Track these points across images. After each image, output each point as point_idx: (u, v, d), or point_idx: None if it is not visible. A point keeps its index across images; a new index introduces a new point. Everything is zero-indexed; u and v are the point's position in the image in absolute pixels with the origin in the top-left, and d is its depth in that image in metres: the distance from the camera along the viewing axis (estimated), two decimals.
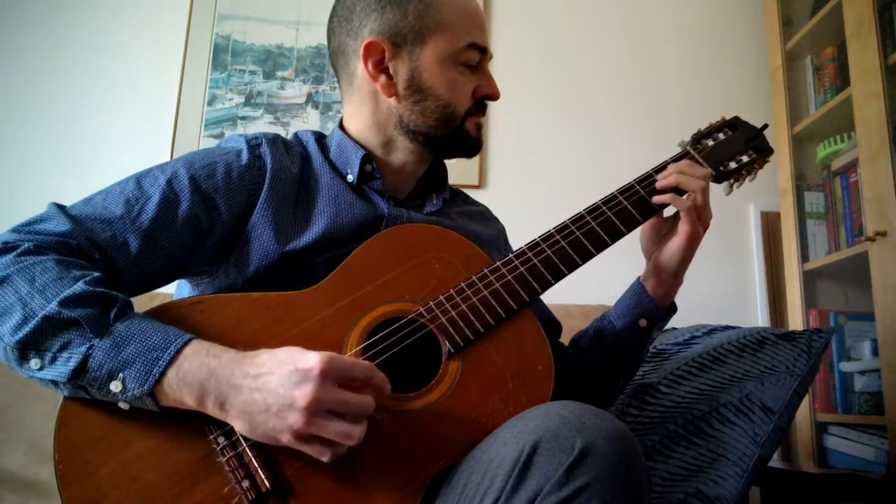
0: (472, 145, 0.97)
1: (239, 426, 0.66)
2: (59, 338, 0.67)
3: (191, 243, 0.84)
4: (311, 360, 0.64)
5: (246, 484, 0.67)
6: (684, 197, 0.90)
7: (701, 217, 0.89)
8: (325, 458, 0.65)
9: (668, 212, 0.93)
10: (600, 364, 0.98)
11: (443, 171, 1.05)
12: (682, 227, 0.89)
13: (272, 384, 0.64)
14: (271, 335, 0.75)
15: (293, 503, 0.67)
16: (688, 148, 0.98)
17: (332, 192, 0.91)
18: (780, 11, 2.04)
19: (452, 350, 0.78)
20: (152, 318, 0.71)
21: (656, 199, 0.90)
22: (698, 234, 0.90)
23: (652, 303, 0.93)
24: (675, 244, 0.90)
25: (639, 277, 0.96)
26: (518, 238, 1.14)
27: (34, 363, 0.67)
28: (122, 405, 0.68)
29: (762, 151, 0.99)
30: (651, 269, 0.94)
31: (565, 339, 1.07)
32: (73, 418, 0.68)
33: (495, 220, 1.14)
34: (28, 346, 0.67)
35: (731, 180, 0.98)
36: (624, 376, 1.00)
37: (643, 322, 0.93)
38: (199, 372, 0.66)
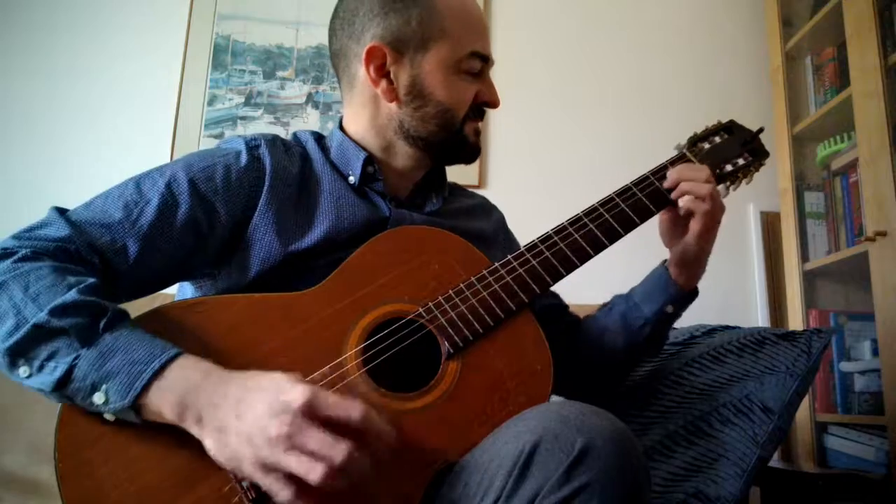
0: (469, 151, 0.97)
1: (209, 443, 0.64)
2: (47, 347, 0.67)
3: (191, 246, 0.84)
4: (294, 392, 0.61)
5: (246, 483, 0.67)
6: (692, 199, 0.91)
7: (713, 215, 0.90)
8: (281, 498, 0.60)
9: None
10: (625, 346, 0.99)
11: (441, 171, 1.05)
12: (693, 226, 0.90)
13: (252, 411, 0.61)
14: (271, 336, 0.75)
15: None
16: (684, 151, 0.99)
17: (334, 194, 0.91)
18: (780, 11, 2.04)
19: (451, 350, 0.78)
20: (147, 325, 0.71)
21: (682, 211, 0.92)
22: (709, 229, 0.91)
23: (679, 290, 0.94)
24: (689, 239, 0.91)
25: (664, 262, 0.97)
26: (518, 238, 1.14)
27: (22, 370, 0.67)
28: (108, 416, 0.67)
29: (758, 155, 1.00)
30: (672, 258, 0.95)
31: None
32: (74, 418, 0.69)
33: (493, 209, 1.14)
34: (17, 354, 0.67)
35: (728, 183, 0.99)
36: (647, 356, 1.04)
37: (670, 308, 0.95)
38: (180, 386, 0.65)
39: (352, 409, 0.61)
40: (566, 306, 1.10)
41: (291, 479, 0.59)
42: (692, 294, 0.97)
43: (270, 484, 0.60)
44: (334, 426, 0.60)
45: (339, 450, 0.59)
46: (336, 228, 0.88)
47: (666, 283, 0.95)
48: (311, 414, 0.60)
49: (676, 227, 0.94)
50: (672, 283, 0.94)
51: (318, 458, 0.58)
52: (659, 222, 0.96)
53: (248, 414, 0.61)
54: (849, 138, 1.80)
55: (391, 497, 0.69)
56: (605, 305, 1.04)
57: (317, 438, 0.59)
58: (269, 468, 0.60)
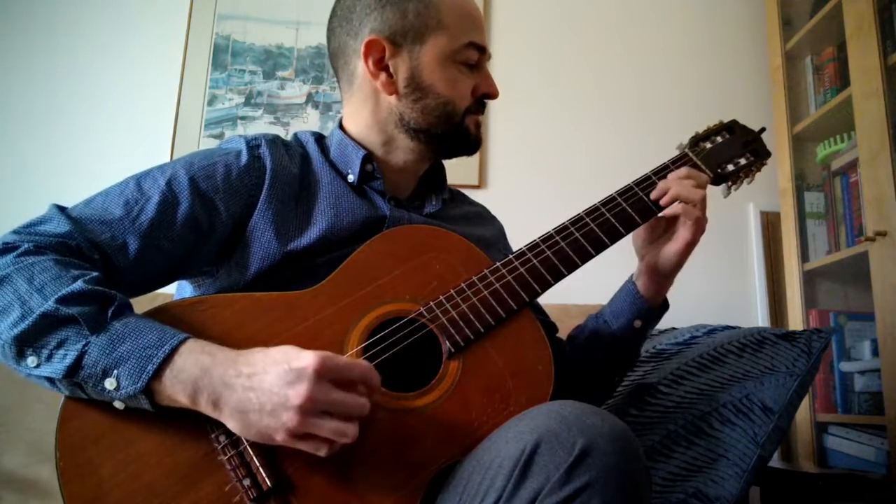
0: (471, 143, 0.97)
1: (232, 425, 0.66)
2: (56, 335, 0.67)
3: (190, 244, 0.84)
4: (306, 359, 0.64)
5: (247, 482, 0.67)
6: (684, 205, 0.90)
7: (699, 224, 0.90)
8: (321, 453, 0.65)
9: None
10: (598, 362, 1.00)
11: (442, 172, 1.05)
12: (682, 234, 0.89)
13: (266, 383, 0.64)
14: (272, 335, 0.75)
15: (294, 501, 0.67)
16: (686, 150, 0.99)
17: (333, 193, 0.92)
18: (780, 11, 2.05)
19: (453, 350, 0.78)
20: (151, 318, 0.72)
21: (666, 212, 0.91)
22: (696, 241, 0.90)
23: (645, 303, 0.94)
24: (671, 249, 0.90)
25: (631, 276, 0.97)
26: (518, 238, 1.14)
27: (31, 360, 0.67)
28: (118, 404, 0.68)
29: (760, 155, 1.00)
30: (643, 269, 0.95)
31: (564, 336, 1.07)
32: (74, 416, 0.69)
33: (493, 219, 1.14)
34: (25, 343, 0.67)
35: (730, 183, 0.99)
36: (620, 373, 1.03)
37: (638, 323, 0.95)
38: (193, 370, 0.66)
39: (355, 365, 0.67)
40: (555, 325, 1.09)
41: (325, 438, 0.65)
42: (661, 308, 0.97)
43: (306, 447, 0.65)
44: (344, 386, 0.66)
45: (362, 402, 0.66)
46: (335, 227, 0.88)
47: (633, 299, 0.95)
48: (326, 376, 0.64)
49: (655, 235, 0.94)
50: (639, 298, 0.94)
51: (347, 416, 0.65)
52: (637, 230, 0.94)
53: (263, 386, 0.64)
54: (849, 138, 1.80)
55: (392, 496, 0.69)
56: (579, 326, 1.04)
57: (341, 397, 0.65)
58: (301, 436, 0.64)
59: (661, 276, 0.93)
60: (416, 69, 0.92)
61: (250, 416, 0.65)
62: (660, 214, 0.92)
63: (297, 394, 0.63)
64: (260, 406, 0.64)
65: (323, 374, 0.64)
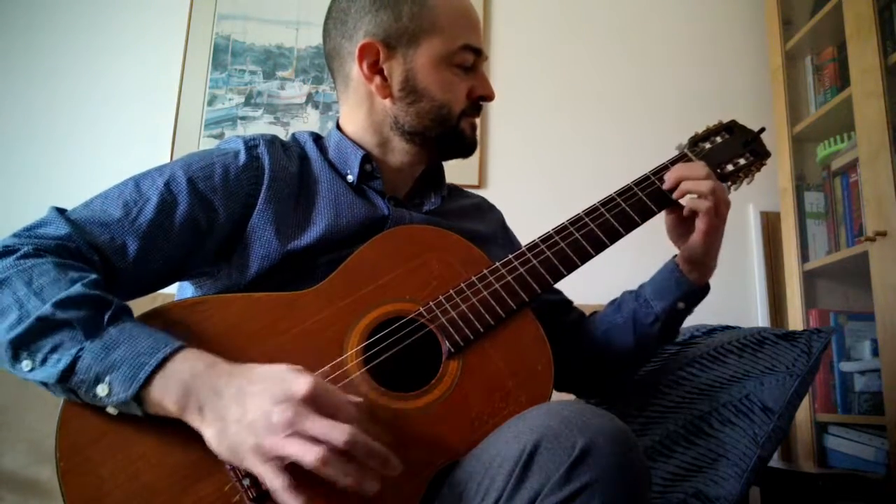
0: (466, 145, 0.97)
1: (209, 434, 0.64)
2: (52, 339, 0.67)
3: (190, 245, 0.84)
4: (298, 382, 0.62)
5: (246, 482, 0.67)
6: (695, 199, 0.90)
7: (717, 211, 0.89)
8: (273, 486, 0.61)
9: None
10: (636, 343, 0.98)
11: (440, 170, 1.05)
12: (699, 225, 0.90)
13: (255, 399, 0.63)
14: (272, 335, 0.75)
15: None
16: (685, 151, 0.99)
17: (333, 193, 0.92)
18: (780, 11, 2.05)
19: (452, 350, 0.78)
20: (148, 324, 0.71)
21: (685, 211, 0.91)
22: (715, 226, 0.90)
23: (690, 286, 0.94)
24: (694, 240, 0.91)
25: (674, 258, 0.96)
26: (518, 238, 1.14)
27: (25, 364, 0.67)
28: (111, 410, 0.67)
29: (759, 155, 0.99)
30: (682, 257, 0.94)
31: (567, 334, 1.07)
32: (75, 417, 0.68)
33: (492, 209, 1.14)
34: (21, 347, 0.67)
35: (729, 183, 0.99)
36: (656, 353, 1.03)
37: (681, 305, 0.94)
38: (184, 375, 0.65)
39: (348, 406, 0.64)
40: (570, 302, 1.10)
41: (287, 467, 0.60)
42: (704, 290, 0.96)
43: (265, 472, 0.61)
44: (334, 417, 0.62)
45: (340, 431, 0.60)
46: (334, 227, 0.88)
47: (677, 280, 0.94)
48: (314, 403, 0.62)
49: (682, 226, 0.94)
50: (683, 280, 0.94)
51: (318, 441, 0.60)
52: (665, 222, 0.95)
53: (252, 403, 0.63)
54: (849, 138, 1.80)
55: (391, 496, 0.69)
56: (613, 302, 1.03)
57: (318, 423, 0.61)
58: (267, 455, 0.61)
59: (697, 265, 0.93)
60: (410, 72, 0.91)
61: (230, 427, 0.63)
62: (686, 213, 0.92)
63: (278, 412, 0.61)
64: (240, 419, 0.62)
65: (311, 402, 0.62)
